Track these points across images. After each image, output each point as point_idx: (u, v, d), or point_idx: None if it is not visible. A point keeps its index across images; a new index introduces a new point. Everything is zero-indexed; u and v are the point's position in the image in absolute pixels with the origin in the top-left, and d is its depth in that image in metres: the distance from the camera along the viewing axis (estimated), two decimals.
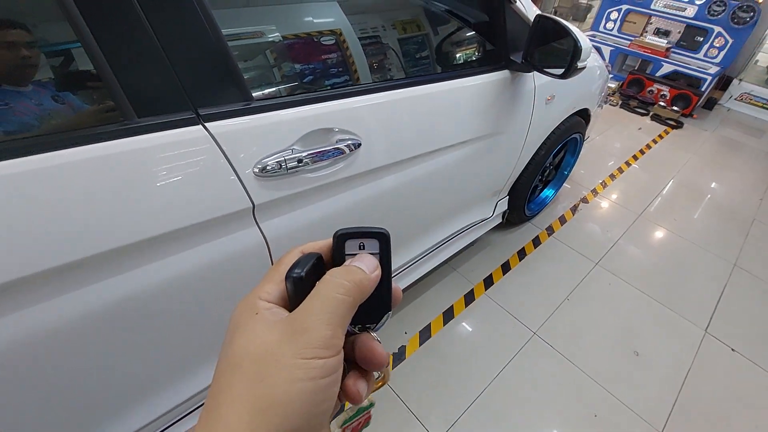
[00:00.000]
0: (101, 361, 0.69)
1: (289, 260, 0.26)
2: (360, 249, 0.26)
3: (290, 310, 0.24)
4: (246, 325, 0.23)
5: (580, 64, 1.09)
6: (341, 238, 0.26)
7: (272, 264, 0.82)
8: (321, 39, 1.04)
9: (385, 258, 0.27)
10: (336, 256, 0.27)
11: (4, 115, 0.55)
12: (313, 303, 0.22)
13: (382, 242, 0.26)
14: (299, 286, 0.24)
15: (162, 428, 0.87)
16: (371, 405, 0.34)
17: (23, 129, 0.58)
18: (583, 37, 1.08)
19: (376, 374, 0.28)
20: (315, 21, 1.06)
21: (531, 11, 1.26)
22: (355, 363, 0.26)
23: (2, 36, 0.54)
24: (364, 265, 0.25)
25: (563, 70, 1.11)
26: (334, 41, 1.06)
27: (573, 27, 1.10)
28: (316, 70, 1.03)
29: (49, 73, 0.62)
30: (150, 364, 0.77)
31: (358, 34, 1.10)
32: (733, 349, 1.64)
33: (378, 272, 0.26)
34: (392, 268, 0.28)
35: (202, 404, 0.91)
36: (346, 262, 0.26)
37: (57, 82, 0.62)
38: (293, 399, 0.20)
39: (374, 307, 0.27)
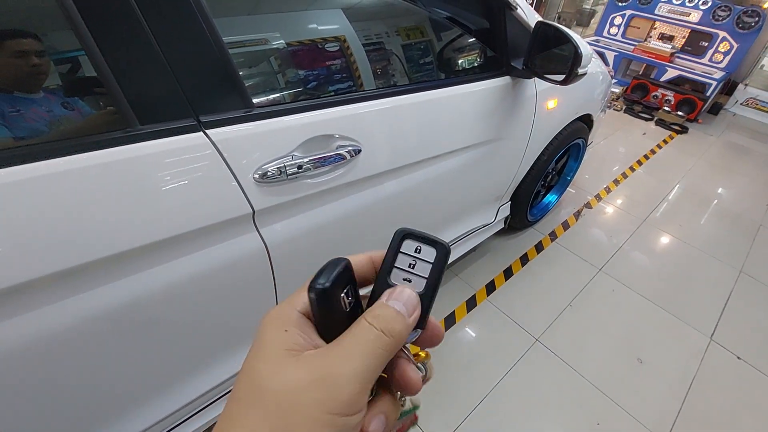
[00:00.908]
0: (101, 365, 0.69)
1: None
2: (416, 252, 0.25)
3: (315, 324, 0.23)
4: (274, 343, 0.22)
5: (580, 71, 1.09)
6: (402, 236, 0.25)
7: (272, 270, 0.82)
8: (325, 46, 1.05)
9: (437, 270, 0.25)
10: (389, 253, 0.25)
11: (15, 122, 0.57)
12: (347, 352, 0.21)
13: (441, 253, 0.25)
14: (323, 298, 0.22)
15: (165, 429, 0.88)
16: (416, 408, 0.32)
17: (34, 135, 0.60)
18: (583, 44, 1.08)
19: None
20: (319, 28, 1.07)
21: (532, 18, 1.27)
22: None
23: (14, 45, 0.55)
24: (405, 308, 0.23)
25: (564, 76, 1.11)
26: (338, 48, 1.07)
27: (573, 33, 1.10)
28: (320, 76, 1.04)
29: (57, 81, 0.63)
30: (150, 368, 0.78)
31: (362, 40, 1.11)
32: (738, 357, 1.61)
33: (417, 314, 0.24)
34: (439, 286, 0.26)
35: (201, 408, 0.92)
36: (384, 297, 0.24)
37: (64, 90, 0.63)
38: None
39: None
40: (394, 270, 0.25)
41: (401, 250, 0.25)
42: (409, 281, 0.25)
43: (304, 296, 0.23)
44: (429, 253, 0.25)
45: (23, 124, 0.58)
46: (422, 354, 0.28)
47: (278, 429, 0.19)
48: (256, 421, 0.19)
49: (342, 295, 0.23)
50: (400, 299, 0.23)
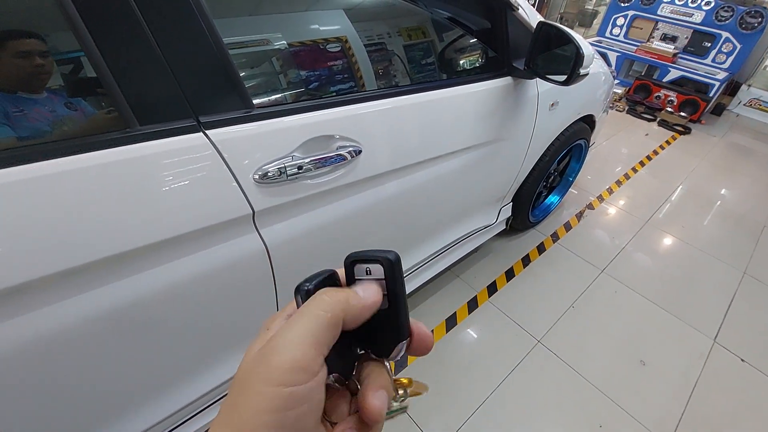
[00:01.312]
0: (101, 366, 0.69)
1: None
2: (367, 274, 0.25)
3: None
4: (255, 345, 0.22)
5: (582, 71, 1.08)
6: (351, 263, 0.26)
7: (272, 270, 0.82)
8: (327, 46, 1.05)
9: (391, 283, 0.25)
10: (348, 282, 0.26)
11: (19, 122, 0.57)
12: (292, 321, 0.21)
13: (386, 267, 0.25)
14: (306, 299, 0.23)
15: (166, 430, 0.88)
16: (404, 408, 0.30)
17: (37, 135, 0.60)
18: (585, 44, 1.08)
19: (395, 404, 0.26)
20: (321, 29, 1.07)
21: (534, 18, 1.26)
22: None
23: (18, 45, 0.56)
24: (360, 290, 0.24)
25: (566, 76, 1.10)
26: (339, 48, 1.07)
27: (575, 34, 1.10)
28: (321, 77, 1.04)
29: (59, 81, 0.63)
30: (149, 368, 0.78)
31: (363, 41, 1.11)
32: (742, 360, 1.60)
33: (376, 298, 0.24)
34: (405, 292, 0.26)
35: (202, 410, 0.92)
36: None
37: (66, 90, 0.63)
38: (266, 402, 0.18)
39: (384, 335, 0.25)
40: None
41: (355, 277, 0.26)
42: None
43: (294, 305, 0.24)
44: (378, 271, 0.25)
45: (26, 124, 0.58)
46: (404, 380, 0.28)
47: (233, 415, 0.18)
48: (222, 416, 0.19)
49: None
50: (361, 285, 0.24)
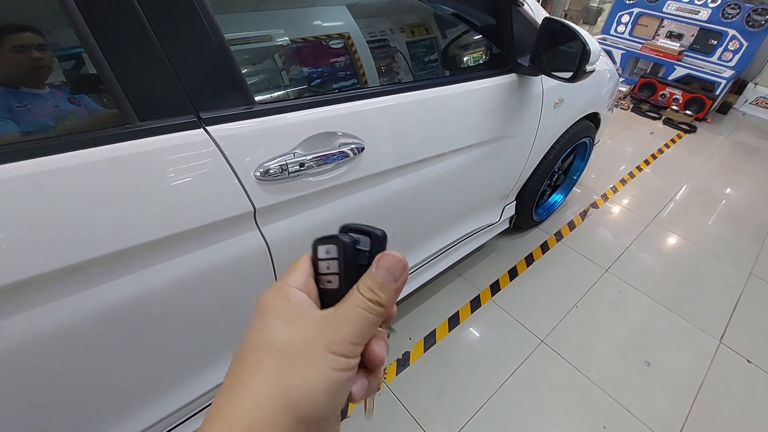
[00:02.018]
0: (103, 363, 0.69)
1: (304, 257, 0.28)
2: (327, 254, 0.27)
3: (315, 278, 0.27)
4: (279, 310, 0.24)
5: (588, 68, 1.07)
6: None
7: (274, 269, 0.81)
8: (329, 42, 1.04)
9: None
10: (314, 260, 0.28)
11: (22, 117, 0.57)
12: (345, 313, 0.24)
13: (340, 248, 0.26)
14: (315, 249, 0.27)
15: (164, 431, 0.87)
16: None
17: (40, 130, 0.60)
18: (591, 40, 1.06)
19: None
20: (324, 24, 1.06)
21: (539, 14, 1.25)
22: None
23: (14, 39, 0.55)
24: (388, 273, 0.25)
25: (572, 73, 1.09)
26: (342, 45, 1.06)
27: (581, 30, 1.08)
28: (324, 73, 1.03)
29: (62, 77, 0.63)
30: (151, 366, 0.77)
31: (366, 37, 1.10)
32: (749, 361, 1.58)
33: (404, 278, 0.26)
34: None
35: (205, 407, 0.91)
36: (373, 266, 0.26)
37: (68, 85, 0.63)
38: (321, 387, 0.21)
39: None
40: (320, 278, 0.27)
41: (319, 257, 0.27)
42: (330, 282, 0.27)
43: (293, 276, 0.26)
44: (333, 251, 0.27)
45: (29, 119, 0.58)
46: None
47: (289, 366, 0.22)
48: (268, 366, 0.22)
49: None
50: (385, 267, 0.25)
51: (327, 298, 0.27)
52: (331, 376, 0.22)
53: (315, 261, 0.28)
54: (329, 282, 0.27)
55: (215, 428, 0.20)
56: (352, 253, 0.26)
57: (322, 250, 0.27)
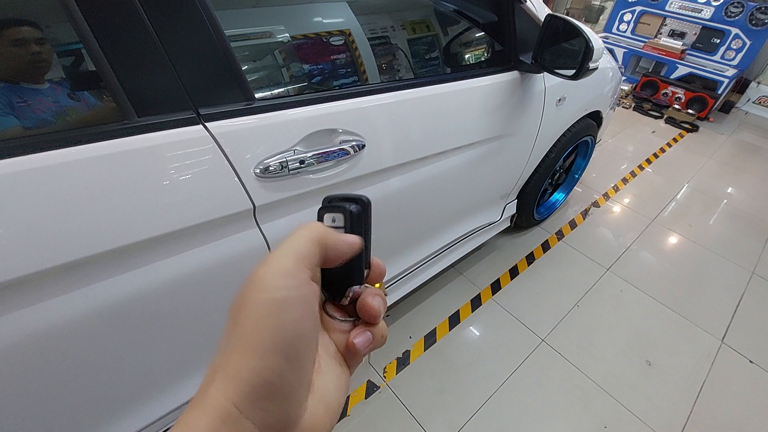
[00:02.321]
0: (102, 360, 0.68)
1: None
2: (333, 222, 0.27)
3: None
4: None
5: (591, 65, 1.06)
6: (318, 212, 0.28)
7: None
8: (330, 39, 1.03)
9: (365, 221, 0.27)
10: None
11: (22, 112, 0.57)
12: (279, 245, 0.23)
13: (346, 216, 0.27)
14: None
15: (164, 429, 0.87)
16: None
17: (40, 126, 0.60)
18: (595, 37, 1.05)
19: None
20: (324, 21, 1.05)
21: (541, 11, 1.24)
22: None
23: (12, 33, 0.55)
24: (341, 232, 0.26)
25: (574, 71, 1.08)
26: (343, 41, 1.05)
27: (584, 27, 1.07)
28: (325, 70, 1.03)
29: (61, 72, 0.62)
30: (151, 364, 0.77)
31: (368, 34, 1.09)
32: (751, 361, 1.58)
33: (357, 243, 0.26)
34: (369, 247, 0.28)
35: None
36: None
37: (67, 81, 0.62)
38: (261, 336, 0.20)
39: (346, 279, 0.27)
40: None
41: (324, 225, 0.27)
42: None
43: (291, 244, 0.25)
44: (340, 219, 0.27)
45: (29, 115, 0.58)
46: (377, 285, 0.31)
47: (235, 334, 0.20)
48: (223, 341, 0.21)
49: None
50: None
51: (331, 276, 0.26)
52: (270, 322, 0.20)
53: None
54: None
55: (189, 411, 0.20)
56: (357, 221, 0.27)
57: (329, 218, 0.27)
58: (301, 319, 0.21)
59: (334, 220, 0.27)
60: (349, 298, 0.27)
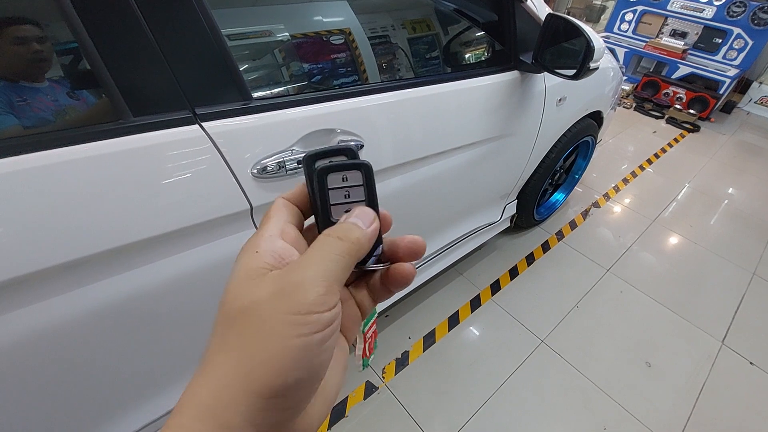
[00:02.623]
0: (99, 360, 0.68)
1: (278, 204, 0.26)
2: (344, 181, 0.25)
3: (300, 228, 0.26)
4: (246, 265, 0.22)
5: (592, 65, 1.05)
6: (324, 171, 0.25)
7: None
8: (330, 38, 1.03)
9: (370, 190, 0.26)
10: (319, 194, 0.25)
11: (22, 111, 0.56)
12: (309, 260, 0.22)
13: (366, 173, 0.26)
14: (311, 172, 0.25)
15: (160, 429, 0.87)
16: (375, 313, 0.34)
17: (39, 124, 0.60)
18: (595, 37, 1.05)
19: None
20: (324, 20, 1.04)
21: (542, 10, 1.23)
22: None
23: (14, 31, 0.55)
24: (361, 221, 0.24)
25: (575, 70, 1.07)
26: (343, 40, 1.05)
27: (585, 26, 1.06)
28: (325, 69, 1.02)
29: (60, 71, 0.62)
30: (147, 363, 0.77)
31: (368, 33, 1.08)
32: (751, 363, 1.57)
33: (376, 224, 0.25)
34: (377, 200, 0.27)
35: None
36: (342, 219, 0.25)
37: (66, 80, 0.62)
38: (286, 356, 0.19)
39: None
40: (332, 207, 0.26)
41: (330, 186, 0.25)
42: (349, 211, 0.25)
43: (272, 225, 0.25)
44: (356, 177, 0.25)
45: (29, 114, 0.57)
46: None
47: (250, 338, 0.19)
48: (230, 338, 0.20)
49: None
50: (354, 214, 0.25)
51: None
52: (296, 344, 0.19)
53: (323, 191, 0.25)
54: (347, 211, 0.25)
55: (180, 416, 0.19)
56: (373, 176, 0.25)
57: (337, 178, 0.25)
58: (328, 336, 0.21)
59: (345, 179, 0.25)
60: (377, 258, 0.26)
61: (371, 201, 0.26)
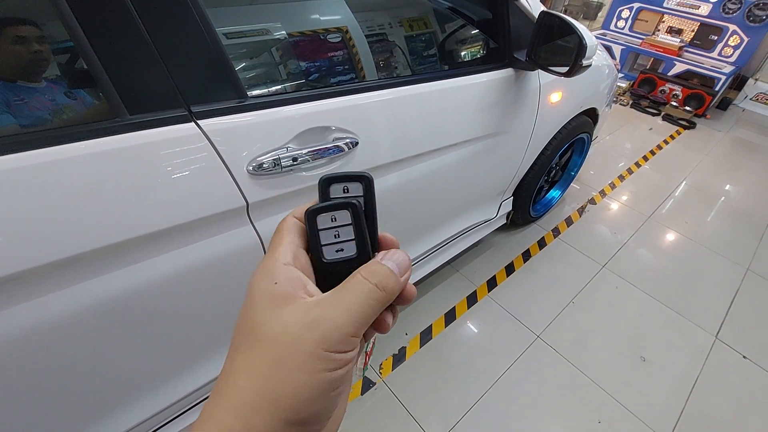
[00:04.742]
0: (95, 357, 0.68)
1: (288, 225, 0.26)
2: (344, 192, 0.26)
3: (307, 250, 0.26)
4: (267, 294, 0.23)
5: (585, 62, 1.06)
6: (326, 182, 0.26)
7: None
8: (327, 36, 1.03)
9: (369, 201, 0.27)
10: (310, 235, 0.26)
11: (19, 110, 0.57)
12: (345, 299, 0.23)
13: (365, 185, 0.27)
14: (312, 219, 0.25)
15: (157, 426, 0.87)
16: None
17: (36, 123, 0.60)
18: (588, 35, 1.06)
19: None
20: (321, 18, 1.05)
21: (536, 8, 1.24)
22: None
23: (14, 31, 0.55)
24: (398, 269, 0.25)
25: (568, 68, 1.08)
26: (340, 39, 1.05)
27: (578, 24, 1.07)
28: (322, 67, 1.03)
29: (56, 71, 0.63)
30: (144, 360, 0.77)
31: (364, 31, 1.09)
32: (744, 357, 1.59)
33: (408, 274, 0.26)
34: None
35: (199, 401, 0.91)
36: (379, 257, 0.25)
37: (62, 79, 0.62)
38: (313, 388, 0.20)
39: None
40: (324, 248, 0.25)
41: (319, 228, 0.25)
42: (342, 250, 0.26)
43: (279, 250, 0.25)
44: (344, 216, 0.25)
45: (26, 113, 0.58)
46: None
47: (278, 366, 0.20)
48: (258, 363, 0.21)
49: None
50: (393, 259, 0.25)
51: (329, 270, 0.25)
52: (322, 379, 0.21)
53: (314, 231, 0.25)
54: (340, 251, 0.25)
55: None
56: (361, 212, 0.25)
57: (326, 219, 0.25)
58: (347, 381, 0.22)
59: (346, 190, 0.27)
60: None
61: (360, 242, 0.26)
